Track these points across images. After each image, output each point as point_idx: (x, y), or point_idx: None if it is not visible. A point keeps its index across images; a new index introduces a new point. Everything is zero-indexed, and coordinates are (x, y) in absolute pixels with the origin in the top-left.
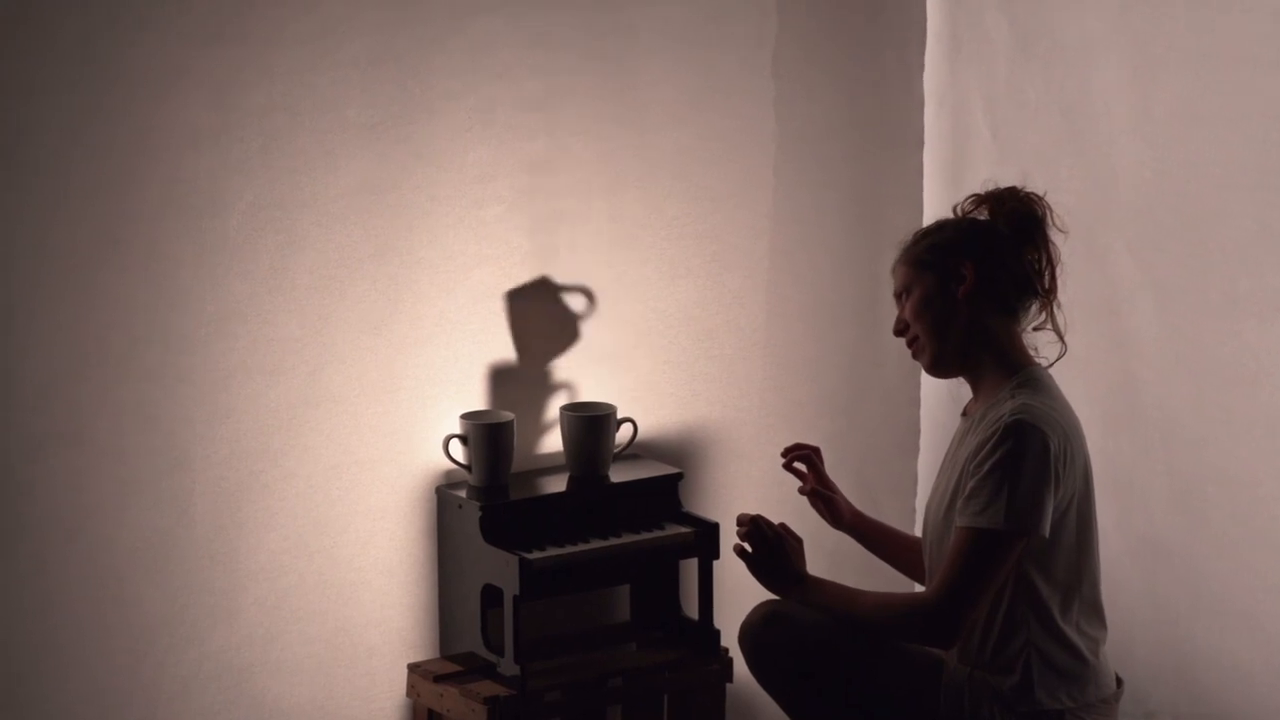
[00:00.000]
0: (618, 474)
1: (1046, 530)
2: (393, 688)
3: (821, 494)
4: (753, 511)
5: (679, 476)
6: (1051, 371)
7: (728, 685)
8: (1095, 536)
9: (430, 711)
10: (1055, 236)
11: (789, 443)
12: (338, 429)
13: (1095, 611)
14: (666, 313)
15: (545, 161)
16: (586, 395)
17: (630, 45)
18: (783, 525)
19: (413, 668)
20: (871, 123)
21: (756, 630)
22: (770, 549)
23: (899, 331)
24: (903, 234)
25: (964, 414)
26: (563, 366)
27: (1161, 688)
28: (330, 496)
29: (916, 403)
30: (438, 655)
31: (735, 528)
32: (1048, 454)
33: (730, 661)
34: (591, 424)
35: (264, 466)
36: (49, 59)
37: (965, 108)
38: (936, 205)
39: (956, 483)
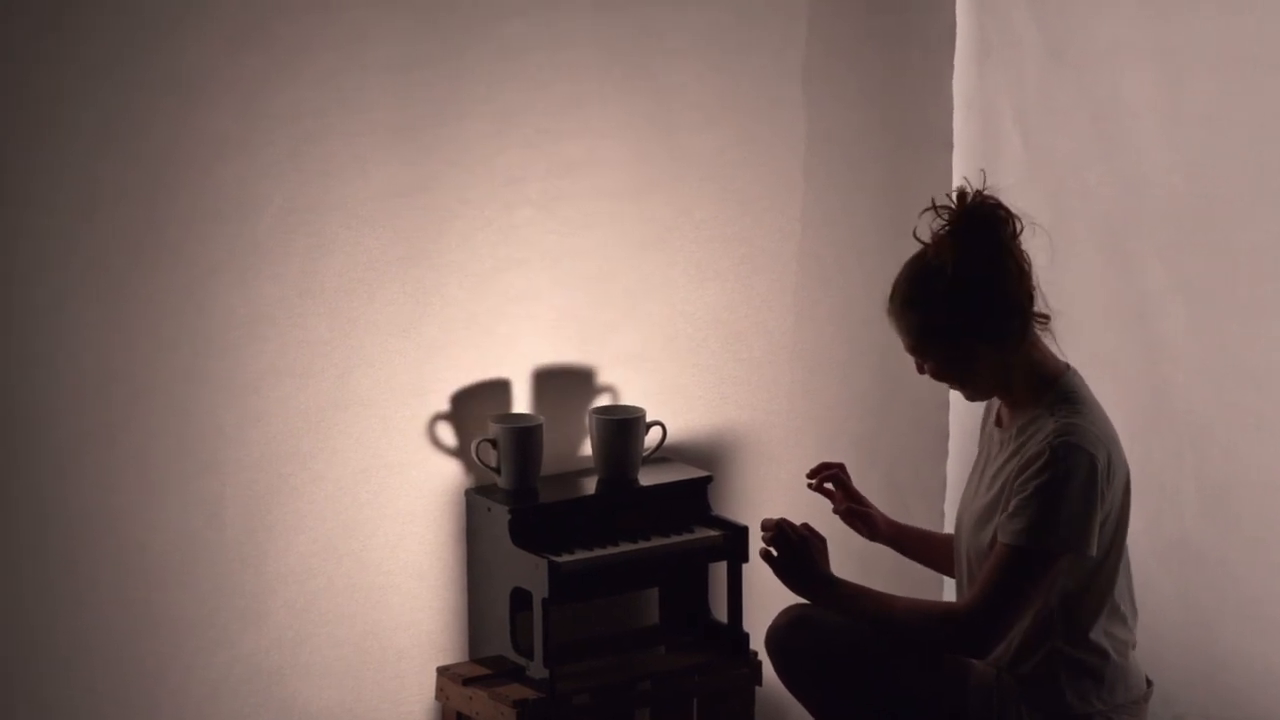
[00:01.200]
0: (647, 477)
1: (1094, 549)
2: (422, 691)
3: (856, 511)
4: (779, 515)
5: (708, 479)
6: (1081, 374)
7: (757, 689)
8: (1125, 542)
9: (459, 715)
10: (1022, 221)
11: (818, 445)
12: (367, 432)
13: (1124, 614)
14: (695, 316)
15: (574, 164)
16: (615, 398)
17: (659, 48)
18: (805, 526)
19: (442, 671)
20: (900, 126)
21: (783, 634)
22: (795, 552)
23: (921, 374)
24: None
25: (997, 424)
26: (592, 370)
27: (1191, 691)
28: (359, 500)
29: (946, 406)
30: (467, 658)
31: (761, 532)
32: (1095, 475)
33: (760, 665)
34: (621, 427)
35: (293, 470)
36: (77, 65)
37: (994, 112)
38: None
39: (997, 495)
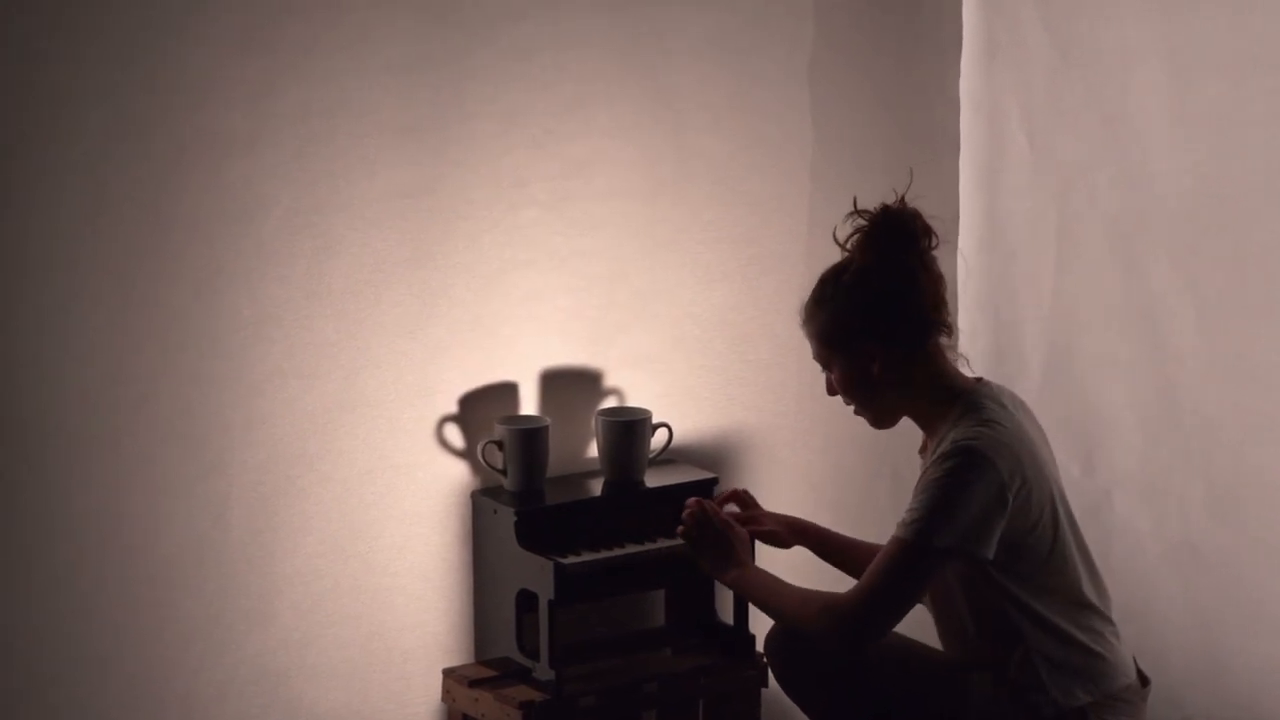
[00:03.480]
0: (653, 479)
1: (989, 553)
2: (428, 693)
3: (759, 533)
4: (785, 513)
5: (714, 481)
6: (1084, 377)
7: (763, 690)
8: (1070, 538)
9: (465, 716)
10: (937, 243)
11: (825, 446)
12: (373, 433)
13: (1092, 607)
14: (703, 317)
15: (581, 165)
16: (622, 400)
17: (666, 49)
18: (725, 521)
19: (448, 673)
20: (908, 127)
21: (783, 639)
22: (711, 536)
23: (832, 394)
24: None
25: (921, 451)
26: (598, 371)
27: (1197, 693)
28: (365, 501)
29: None
30: (473, 660)
31: (684, 511)
32: (994, 480)
33: (765, 667)
34: (627, 429)
35: (300, 471)
36: (84, 66)
37: (1001, 114)
38: (973, 211)
39: None
